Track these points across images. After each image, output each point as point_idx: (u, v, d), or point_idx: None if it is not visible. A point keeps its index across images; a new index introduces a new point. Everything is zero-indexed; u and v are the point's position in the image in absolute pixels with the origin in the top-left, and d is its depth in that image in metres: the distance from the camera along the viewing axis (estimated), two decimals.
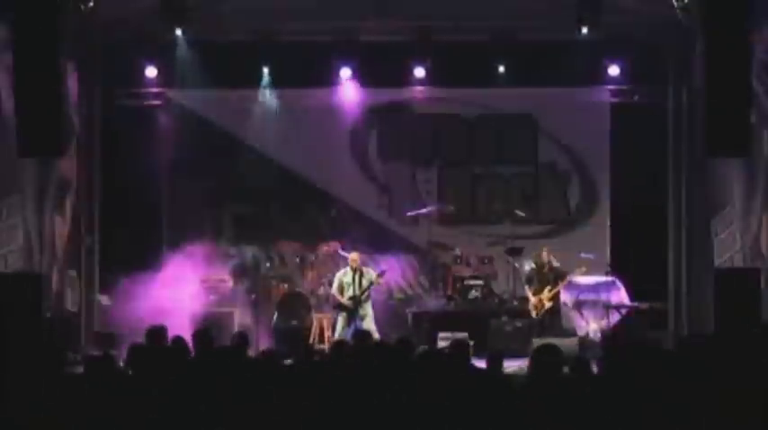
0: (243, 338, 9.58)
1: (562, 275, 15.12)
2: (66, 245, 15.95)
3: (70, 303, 15.33)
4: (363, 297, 14.70)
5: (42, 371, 7.76)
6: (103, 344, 14.75)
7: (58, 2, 12.52)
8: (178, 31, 15.75)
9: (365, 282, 14.73)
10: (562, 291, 15.35)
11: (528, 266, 15.68)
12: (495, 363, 8.91)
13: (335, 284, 14.87)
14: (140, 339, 9.35)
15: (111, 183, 17.02)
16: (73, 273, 15.24)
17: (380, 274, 14.90)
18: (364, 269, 14.87)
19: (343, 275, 14.85)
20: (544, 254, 15.30)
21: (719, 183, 15.35)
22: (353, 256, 14.95)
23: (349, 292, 14.71)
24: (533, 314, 15.08)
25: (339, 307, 14.79)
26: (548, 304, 14.93)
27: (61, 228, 15.83)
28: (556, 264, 15.25)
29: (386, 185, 17.70)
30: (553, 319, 15.15)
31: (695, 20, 14.02)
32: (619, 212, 17.27)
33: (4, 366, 8.14)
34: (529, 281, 15.35)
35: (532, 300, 15.08)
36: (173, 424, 7.25)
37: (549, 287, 14.96)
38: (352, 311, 14.63)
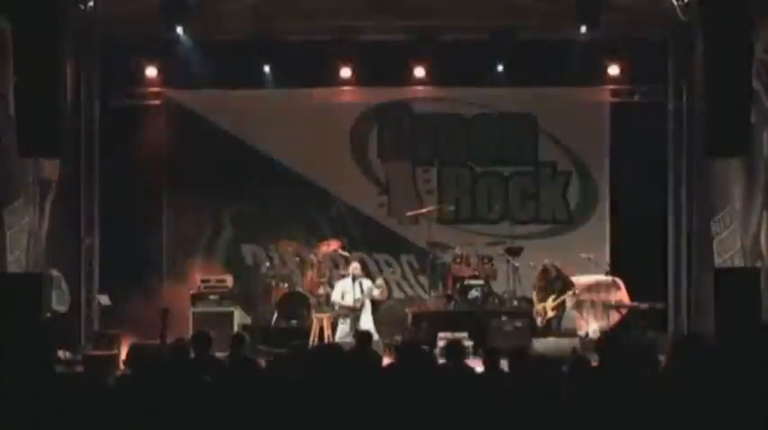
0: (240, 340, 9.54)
1: (568, 285, 15.03)
2: (45, 244, 15.89)
3: (55, 303, 15.33)
4: (366, 299, 14.85)
5: (33, 371, 7.77)
6: (103, 344, 14.75)
7: (58, 2, 12.52)
8: (179, 30, 15.74)
9: (366, 288, 14.89)
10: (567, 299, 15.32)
11: (535, 272, 15.64)
12: (493, 359, 8.89)
13: (338, 293, 15.01)
14: (140, 339, 9.36)
15: (110, 183, 17.00)
16: (56, 272, 15.21)
17: (377, 286, 15.09)
18: (363, 280, 15.07)
19: (344, 283, 15.02)
20: (548, 264, 15.25)
21: (719, 183, 15.34)
22: (355, 266, 15.13)
23: (350, 298, 14.88)
24: (537, 322, 15.01)
25: (342, 312, 14.89)
26: (551, 313, 14.87)
27: (44, 228, 15.78)
28: (564, 273, 15.17)
29: (386, 185, 17.70)
30: (554, 324, 15.12)
31: (695, 19, 14.02)
32: (619, 212, 17.26)
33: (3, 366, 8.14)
34: (534, 288, 15.30)
35: (537, 307, 15.02)
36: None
37: (553, 296, 14.88)
38: (357, 313, 14.77)
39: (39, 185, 15.49)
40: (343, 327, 14.89)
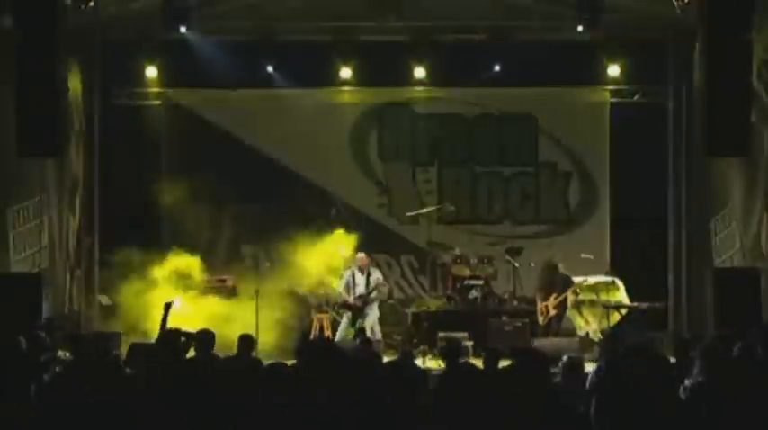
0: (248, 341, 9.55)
1: (569, 283, 15.00)
2: (75, 243, 16.13)
3: (76, 303, 15.49)
4: (371, 297, 14.74)
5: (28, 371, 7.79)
6: (103, 345, 14.74)
7: (59, 2, 12.53)
8: (182, 29, 15.74)
9: (372, 282, 14.77)
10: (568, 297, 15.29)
11: (537, 270, 15.57)
12: (492, 360, 8.87)
13: (342, 283, 14.89)
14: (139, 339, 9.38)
15: (110, 183, 17.02)
16: (79, 272, 15.44)
17: (384, 283, 15.02)
18: (371, 269, 14.94)
19: (350, 275, 14.88)
20: (549, 260, 15.22)
21: (719, 183, 15.34)
22: (361, 256, 14.99)
23: (355, 292, 14.76)
24: (540, 320, 14.98)
25: (345, 306, 14.81)
26: (553, 311, 14.84)
27: (73, 226, 16.03)
28: (564, 272, 15.13)
29: (386, 185, 17.71)
30: (554, 323, 15.08)
31: (695, 19, 14.03)
32: (619, 212, 17.27)
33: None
34: (537, 286, 15.25)
35: (540, 305, 14.98)
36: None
37: (555, 295, 14.86)
38: (359, 310, 14.67)
39: (68, 184, 15.70)
40: (344, 322, 14.77)
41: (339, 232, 15.95)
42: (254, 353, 9.69)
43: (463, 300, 16.13)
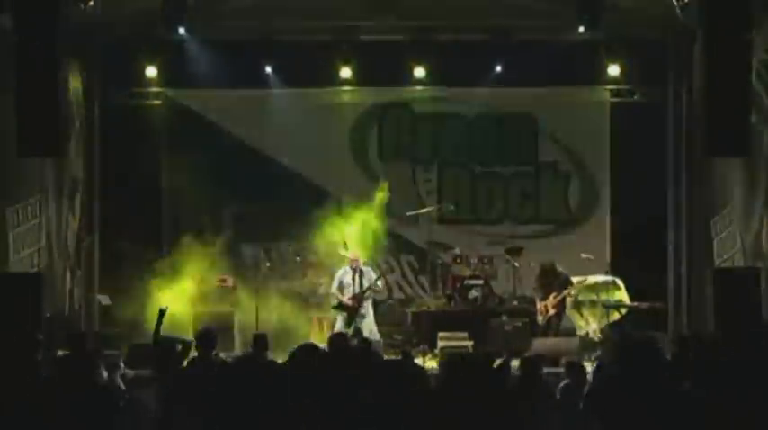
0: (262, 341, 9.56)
1: (567, 282, 15.00)
2: (75, 243, 16.16)
3: (77, 302, 15.48)
4: (365, 296, 14.68)
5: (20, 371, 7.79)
6: (103, 345, 14.76)
7: (58, 1, 12.53)
8: (181, 30, 15.74)
9: (366, 282, 14.71)
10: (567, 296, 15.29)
11: (535, 272, 15.58)
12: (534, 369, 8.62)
13: (335, 284, 14.85)
14: (139, 339, 9.37)
15: (110, 183, 17.03)
16: (79, 272, 15.46)
17: (379, 277, 14.97)
18: (364, 269, 14.88)
19: (343, 275, 14.83)
20: (546, 262, 15.23)
21: (719, 183, 15.35)
22: (353, 256, 14.93)
23: (349, 292, 14.69)
24: (539, 320, 14.99)
25: (340, 306, 14.75)
26: (552, 311, 14.84)
27: (73, 227, 16.05)
28: (561, 270, 15.13)
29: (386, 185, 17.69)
30: (554, 323, 15.09)
31: (695, 19, 14.02)
32: (619, 212, 17.27)
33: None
34: (535, 287, 15.25)
35: (539, 305, 14.99)
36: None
37: (554, 294, 14.86)
38: (354, 310, 14.61)
39: (67, 185, 15.73)
40: (339, 322, 14.75)
41: (384, 187, 16.01)
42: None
43: (463, 300, 16.13)
